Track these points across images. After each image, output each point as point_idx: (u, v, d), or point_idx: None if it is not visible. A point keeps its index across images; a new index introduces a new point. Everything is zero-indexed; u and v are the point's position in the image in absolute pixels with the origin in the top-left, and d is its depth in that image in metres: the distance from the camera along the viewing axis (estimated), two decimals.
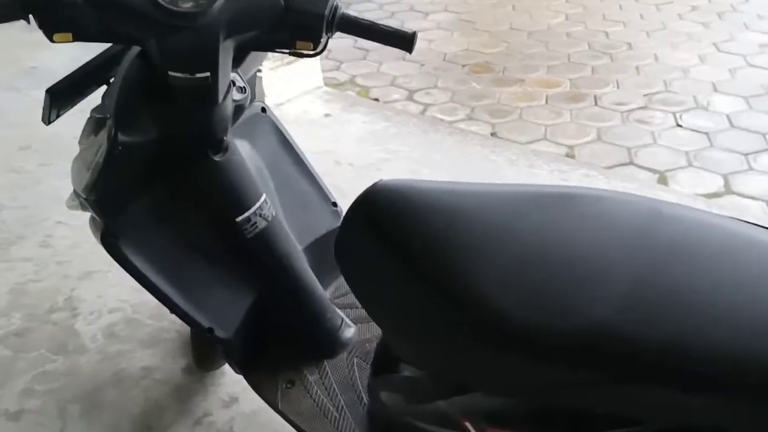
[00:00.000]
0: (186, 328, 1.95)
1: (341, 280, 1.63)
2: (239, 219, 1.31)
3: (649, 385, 0.77)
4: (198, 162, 1.28)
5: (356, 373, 1.44)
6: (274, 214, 1.37)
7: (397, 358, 1.12)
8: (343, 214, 1.57)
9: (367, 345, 1.49)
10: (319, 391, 1.42)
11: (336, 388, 1.43)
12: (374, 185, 1.02)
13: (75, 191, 1.31)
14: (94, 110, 1.30)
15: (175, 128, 1.23)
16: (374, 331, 1.52)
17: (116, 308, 2.08)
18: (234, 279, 1.40)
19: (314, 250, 1.52)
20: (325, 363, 1.47)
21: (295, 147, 1.55)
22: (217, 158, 1.28)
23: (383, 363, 1.19)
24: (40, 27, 1.04)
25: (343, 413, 1.37)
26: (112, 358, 1.92)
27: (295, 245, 1.44)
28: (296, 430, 1.39)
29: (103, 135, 1.22)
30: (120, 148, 1.17)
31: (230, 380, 1.81)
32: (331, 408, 1.39)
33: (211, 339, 1.39)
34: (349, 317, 1.53)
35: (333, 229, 1.56)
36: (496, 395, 0.90)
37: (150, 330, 2.00)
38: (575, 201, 0.94)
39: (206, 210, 1.35)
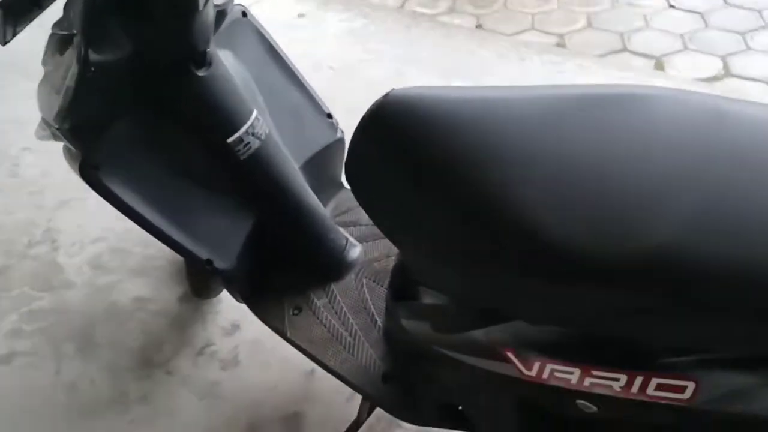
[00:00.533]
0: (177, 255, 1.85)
1: (341, 196, 1.53)
2: (230, 140, 1.19)
3: (715, 312, 0.69)
4: (180, 79, 1.14)
5: (366, 295, 1.36)
6: (267, 131, 1.24)
7: (418, 282, 1.04)
8: (339, 125, 1.48)
9: (375, 264, 1.40)
10: (329, 316, 1.34)
11: (347, 311, 1.35)
12: (386, 96, 0.90)
13: (44, 120, 1.17)
14: (55, 25, 1.14)
15: (151, 42, 1.08)
16: (382, 249, 1.43)
17: (99, 238, 1.96)
18: (230, 205, 1.29)
19: (311, 166, 1.41)
20: (333, 286, 1.39)
21: (281, 54, 1.41)
22: (200, 73, 1.14)
23: (402, 287, 1.11)
24: None
25: (357, 337, 1.30)
26: (102, 291, 1.82)
27: (292, 164, 1.32)
28: (308, 357, 1.32)
29: (71, 54, 1.07)
30: (92, 68, 1.02)
31: (229, 307, 1.73)
32: (344, 332, 1.31)
33: (211, 270, 1.29)
34: (353, 236, 1.44)
35: (330, 143, 1.44)
36: (544, 324, 0.82)
37: (138, 258, 1.89)
38: (621, 102, 0.83)
39: (193, 132, 1.22)
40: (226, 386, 1.58)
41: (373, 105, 0.92)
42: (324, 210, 1.39)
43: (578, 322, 0.78)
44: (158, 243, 1.89)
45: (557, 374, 0.82)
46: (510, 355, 0.86)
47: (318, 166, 1.43)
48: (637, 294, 0.70)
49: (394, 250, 1.39)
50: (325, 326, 1.33)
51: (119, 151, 1.17)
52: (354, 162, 0.95)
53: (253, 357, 1.63)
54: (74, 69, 1.03)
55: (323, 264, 1.39)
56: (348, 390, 1.52)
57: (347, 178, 0.98)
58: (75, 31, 1.04)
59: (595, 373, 0.79)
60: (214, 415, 1.53)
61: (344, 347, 1.30)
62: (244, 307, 1.70)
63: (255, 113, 1.22)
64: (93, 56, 1.02)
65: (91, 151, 1.15)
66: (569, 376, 0.81)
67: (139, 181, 1.21)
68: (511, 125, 0.84)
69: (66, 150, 1.21)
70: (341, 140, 1.46)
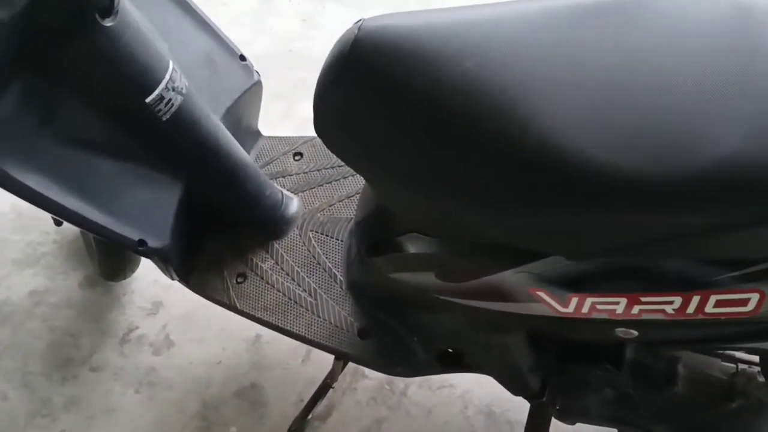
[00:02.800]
0: (66, 235, 1.63)
1: (261, 146, 1.40)
2: (149, 99, 1.02)
3: None
4: (85, 33, 0.95)
5: (318, 249, 1.26)
6: (186, 84, 1.08)
7: (407, 231, 0.96)
8: (254, 67, 1.33)
9: (319, 215, 1.29)
10: (279, 278, 1.23)
11: (299, 270, 1.25)
12: (359, 30, 0.79)
13: None
14: None
15: None
16: (321, 198, 1.32)
17: None
18: (154, 174, 1.13)
19: (230, 117, 1.26)
20: (276, 245, 1.27)
21: None
22: (107, 23, 0.95)
23: (379, 239, 1.03)
24: None
25: (317, 296, 1.20)
26: None
27: (214, 117, 1.17)
28: (266, 327, 1.21)
29: None
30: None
31: (144, 284, 1.56)
32: (301, 293, 1.21)
33: (145, 251, 1.13)
34: (284, 188, 1.32)
35: (248, 89, 1.29)
36: (588, 258, 0.78)
37: (20, 247, 1.65)
38: (635, 6, 0.77)
39: (101, 96, 1.03)
40: (164, 371, 1.44)
41: (343, 40, 0.81)
42: (255, 165, 1.26)
43: (629, 251, 0.74)
44: (40, 225, 1.69)
45: (600, 307, 0.79)
46: (542, 294, 0.82)
47: (237, 116, 1.29)
48: (704, 212, 0.67)
49: (336, 196, 1.30)
50: (278, 290, 1.23)
51: (12, 129, 0.97)
52: (328, 105, 0.84)
53: (185, 334, 1.49)
54: None
55: (261, 223, 1.26)
56: (301, 351, 1.45)
57: (317, 122, 0.87)
58: None
59: (644, 299, 0.76)
60: (159, 404, 1.39)
61: (306, 309, 1.20)
62: (161, 281, 1.55)
63: (172, 65, 1.05)
64: None
65: None
66: (614, 306, 0.78)
67: (42, 163, 1.02)
68: (520, 46, 0.76)
69: None
70: (259, 83, 1.31)
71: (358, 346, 1.15)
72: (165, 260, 1.19)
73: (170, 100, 1.04)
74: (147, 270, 1.52)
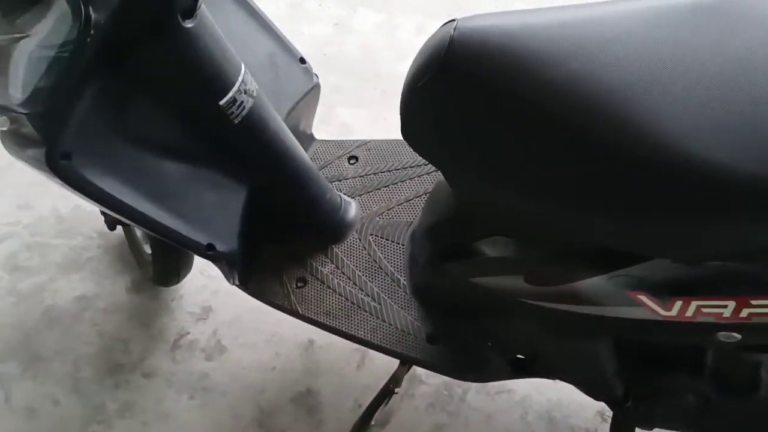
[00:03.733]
0: (110, 239, 1.62)
1: (315, 149, 1.39)
2: (223, 101, 1.01)
3: None
4: (166, 34, 0.94)
5: (378, 253, 1.25)
6: (257, 87, 1.08)
7: (491, 234, 0.95)
8: (312, 69, 1.32)
9: (378, 219, 1.29)
10: (341, 283, 1.23)
11: (360, 274, 1.24)
12: (456, 30, 0.79)
13: None
14: None
15: None
16: (380, 201, 1.32)
17: (6, 235, 1.67)
18: (222, 177, 1.13)
19: (290, 119, 1.26)
20: (335, 249, 1.26)
21: None
22: (188, 24, 0.95)
23: (459, 243, 1.02)
24: None
25: (382, 301, 1.20)
26: (31, 296, 1.56)
27: (280, 120, 1.17)
28: (329, 331, 1.20)
29: (39, 17, 0.84)
30: (92, 32, 0.81)
31: (192, 289, 1.55)
32: (364, 298, 1.20)
33: (213, 256, 1.12)
34: (341, 191, 1.32)
35: (308, 91, 1.29)
36: (698, 262, 0.77)
37: (64, 251, 1.64)
38: (745, 5, 0.77)
39: (179, 97, 1.03)
40: (217, 377, 1.43)
41: (436, 42, 0.80)
42: (316, 168, 1.25)
43: (744, 255, 0.73)
44: (82, 229, 1.68)
45: (706, 310, 0.78)
46: (643, 298, 0.81)
47: (294, 118, 1.28)
48: None
49: (395, 200, 1.29)
50: (339, 294, 1.22)
51: (90, 132, 0.97)
52: (420, 107, 0.84)
53: (237, 339, 1.48)
54: (65, 35, 0.81)
55: (321, 227, 1.26)
56: (356, 356, 1.44)
57: (406, 125, 0.87)
58: None
59: (755, 302, 0.76)
60: (214, 411, 1.38)
61: (370, 313, 1.19)
62: (209, 286, 1.55)
63: (244, 67, 1.05)
64: (95, 15, 0.81)
65: (60, 138, 0.93)
66: (721, 310, 0.78)
67: (117, 166, 1.01)
68: (626, 46, 0.75)
69: (14, 138, 0.98)
70: (317, 87, 1.31)
71: (427, 351, 1.14)
72: (231, 264, 1.18)
73: (242, 102, 1.03)
74: (194, 274, 1.52)
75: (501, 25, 0.80)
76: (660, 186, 0.71)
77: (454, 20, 0.81)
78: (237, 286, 1.23)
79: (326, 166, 1.37)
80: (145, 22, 0.92)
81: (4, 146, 1.04)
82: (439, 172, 0.92)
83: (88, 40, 0.82)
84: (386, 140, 1.38)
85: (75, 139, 0.94)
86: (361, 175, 1.34)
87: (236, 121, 1.04)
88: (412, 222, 1.24)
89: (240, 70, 1.03)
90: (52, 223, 1.69)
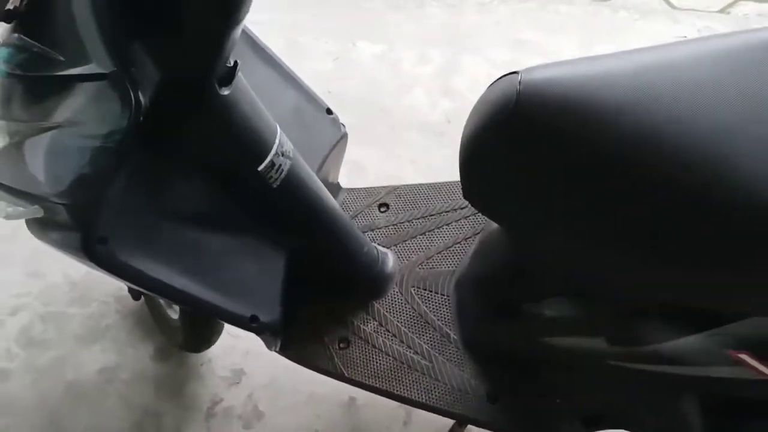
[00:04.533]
0: (128, 304, 1.56)
1: (343, 199, 1.34)
2: (262, 167, 0.96)
3: None
4: (204, 104, 0.89)
5: (423, 307, 1.20)
6: (292, 146, 1.03)
7: (561, 291, 0.91)
8: (339, 119, 1.28)
9: (418, 270, 1.24)
10: (386, 341, 1.17)
11: (406, 330, 1.19)
12: (522, 84, 0.75)
13: (25, 194, 0.87)
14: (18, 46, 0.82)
15: (178, 61, 0.83)
16: (417, 250, 1.27)
17: (18, 307, 1.59)
18: (260, 243, 1.07)
19: (321, 172, 1.21)
20: (377, 305, 1.21)
21: (264, 47, 1.18)
22: (226, 92, 0.90)
23: (520, 299, 0.98)
24: None
25: (432, 358, 1.15)
26: (50, 371, 1.49)
27: (316, 176, 1.12)
28: (379, 394, 1.15)
29: (79, 103, 0.78)
30: (142, 119, 0.76)
31: (220, 352, 1.49)
32: (414, 356, 1.15)
33: (258, 327, 1.07)
34: (375, 242, 1.27)
35: (336, 143, 1.25)
36: None
37: (80, 320, 1.56)
38: None
39: (216, 166, 0.98)
40: None
41: (501, 96, 0.76)
42: (352, 222, 1.20)
43: None
44: (98, 294, 1.61)
45: None
46: (744, 357, 0.77)
47: (324, 171, 1.24)
48: None
49: (433, 248, 1.25)
50: (386, 353, 1.17)
51: (126, 214, 0.91)
52: (485, 166, 0.80)
53: (274, 402, 1.42)
54: (112, 123, 0.75)
55: (359, 283, 1.21)
56: (400, 413, 1.39)
57: (471, 186, 0.83)
58: (102, 70, 0.75)
59: None
60: None
61: (422, 372, 1.14)
62: (238, 347, 1.48)
63: (279, 128, 1.00)
64: (143, 98, 0.76)
65: (95, 223, 0.88)
66: None
67: (154, 245, 0.96)
68: (708, 91, 0.72)
69: (42, 222, 0.92)
70: (345, 136, 1.27)
71: (488, 411, 1.09)
72: (275, 333, 1.13)
73: (280, 165, 0.99)
74: (221, 336, 1.45)
75: (569, 75, 0.76)
76: (758, 241, 0.68)
77: (514, 72, 0.77)
78: (278, 352, 1.17)
79: (357, 216, 1.32)
80: (185, 96, 0.87)
81: (28, 228, 0.98)
82: (478, 216, 0.88)
83: (137, 125, 0.76)
84: (416, 185, 1.34)
85: (111, 222, 0.88)
86: (394, 223, 1.29)
87: (275, 186, 0.99)
88: (454, 270, 1.20)
89: (276, 131, 0.98)
90: (65, 290, 1.61)
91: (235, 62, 0.89)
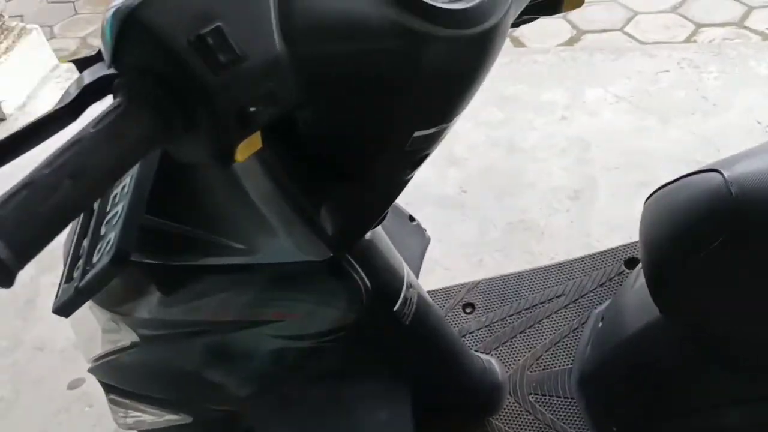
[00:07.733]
0: None
1: None
2: (397, 306, 0.83)
3: None
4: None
5: (548, 415, 1.08)
6: (413, 275, 0.90)
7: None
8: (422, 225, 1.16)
9: (529, 373, 1.12)
10: None
11: None
12: (730, 181, 0.68)
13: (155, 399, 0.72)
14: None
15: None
16: (520, 351, 1.15)
17: None
18: (389, 385, 0.94)
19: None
20: (495, 422, 1.09)
21: None
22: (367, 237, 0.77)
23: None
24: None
25: None
26: None
27: (430, 299, 0.99)
28: None
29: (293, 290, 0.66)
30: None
31: None
32: None
33: None
34: (471, 348, 1.15)
35: (424, 249, 1.13)
36: None
37: None
38: None
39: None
40: None
41: (710, 201, 0.70)
42: (461, 339, 1.08)
43: None
44: None
45: None
46: None
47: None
48: None
49: (540, 346, 1.13)
50: None
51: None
52: (707, 275, 0.73)
53: None
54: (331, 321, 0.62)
55: (472, 399, 1.08)
56: None
57: (683, 295, 0.76)
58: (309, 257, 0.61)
59: None
60: None
61: None
62: None
63: (402, 259, 0.87)
64: None
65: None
66: None
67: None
68: None
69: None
70: (428, 241, 1.15)
71: None
72: None
73: (410, 299, 0.86)
74: None
75: None
76: None
77: (711, 170, 0.69)
78: None
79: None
80: None
81: None
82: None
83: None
84: (497, 278, 1.23)
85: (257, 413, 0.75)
86: (487, 324, 1.18)
87: (407, 322, 0.86)
88: (570, 368, 1.09)
89: (401, 263, 0.86)
90: None
91: None
